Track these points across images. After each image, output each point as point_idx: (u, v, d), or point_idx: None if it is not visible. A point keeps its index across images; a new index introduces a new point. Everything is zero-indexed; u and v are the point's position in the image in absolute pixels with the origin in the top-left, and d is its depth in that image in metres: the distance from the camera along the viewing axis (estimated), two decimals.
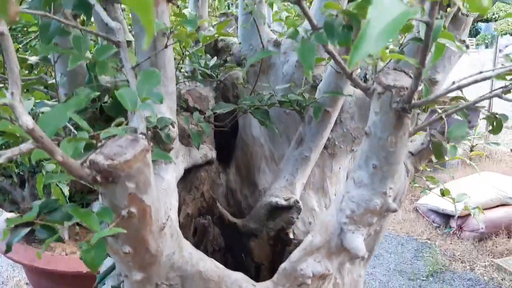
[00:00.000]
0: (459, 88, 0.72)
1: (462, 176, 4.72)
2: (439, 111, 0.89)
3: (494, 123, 0.89)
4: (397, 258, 3.80)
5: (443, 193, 1.50)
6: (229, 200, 1.44)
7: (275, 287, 0.92)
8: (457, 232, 4.10)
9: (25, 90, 1.26)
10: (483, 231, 3.94)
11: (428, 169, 1.81)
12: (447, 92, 0.73)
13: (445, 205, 4.02)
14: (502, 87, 0.81)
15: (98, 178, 0.72)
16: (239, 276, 0.93)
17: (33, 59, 1.27)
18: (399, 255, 3.85)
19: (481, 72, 0.81)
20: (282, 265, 0.93)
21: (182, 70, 1.39)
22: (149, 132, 1.00)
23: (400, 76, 0.81)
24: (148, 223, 0.80)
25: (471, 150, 5.25)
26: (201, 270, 0.90)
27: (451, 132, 0.77)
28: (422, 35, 0.74)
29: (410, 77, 0.82)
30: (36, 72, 1.35)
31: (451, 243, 4.01)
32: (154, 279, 0.88)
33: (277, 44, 1.33)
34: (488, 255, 3.82)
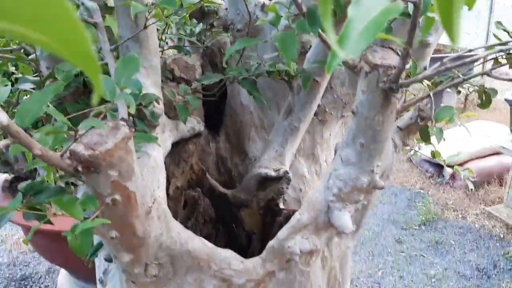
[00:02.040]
0: (447, 69, 0.69)
1: (454, 126, 4.72)
2: (427, 85, 0.88)
3: (483, 97, 0.87)
4: (391, 208, 3.86)
5: (434, 155, 1.50)
6: (219, 168, 1.43)
7: (263, 264, 0.93)
8: (450, 182, 4.14)
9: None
10: (475, 180, 3.98)
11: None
12: (436, 73, 0.71)
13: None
14: (493, 63, 0.79)
15: (79, 168, 0.71)
16: (228, 253, 0.94)
17: None
18: (392, 205, 3.91)
19: (470, 51, 0.78)
20: (270, 243, 0.93)
21: (167, 38, 1.34)
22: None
23: (387, 54, 0.78)
24: (134, 208, 0.80)
25: (466, 99, 5.22)
26: (190, 250, 0.90)
27: (438, 115, 0.76)
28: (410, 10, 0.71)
29: (398, 54, 0.79)
30: (17, 42, 1.31)
31: (443, 192, 4.07)
32: (142, 259, 0.88)
33: (264, 8, 1.29)
34: (480, 203, 3.88)
